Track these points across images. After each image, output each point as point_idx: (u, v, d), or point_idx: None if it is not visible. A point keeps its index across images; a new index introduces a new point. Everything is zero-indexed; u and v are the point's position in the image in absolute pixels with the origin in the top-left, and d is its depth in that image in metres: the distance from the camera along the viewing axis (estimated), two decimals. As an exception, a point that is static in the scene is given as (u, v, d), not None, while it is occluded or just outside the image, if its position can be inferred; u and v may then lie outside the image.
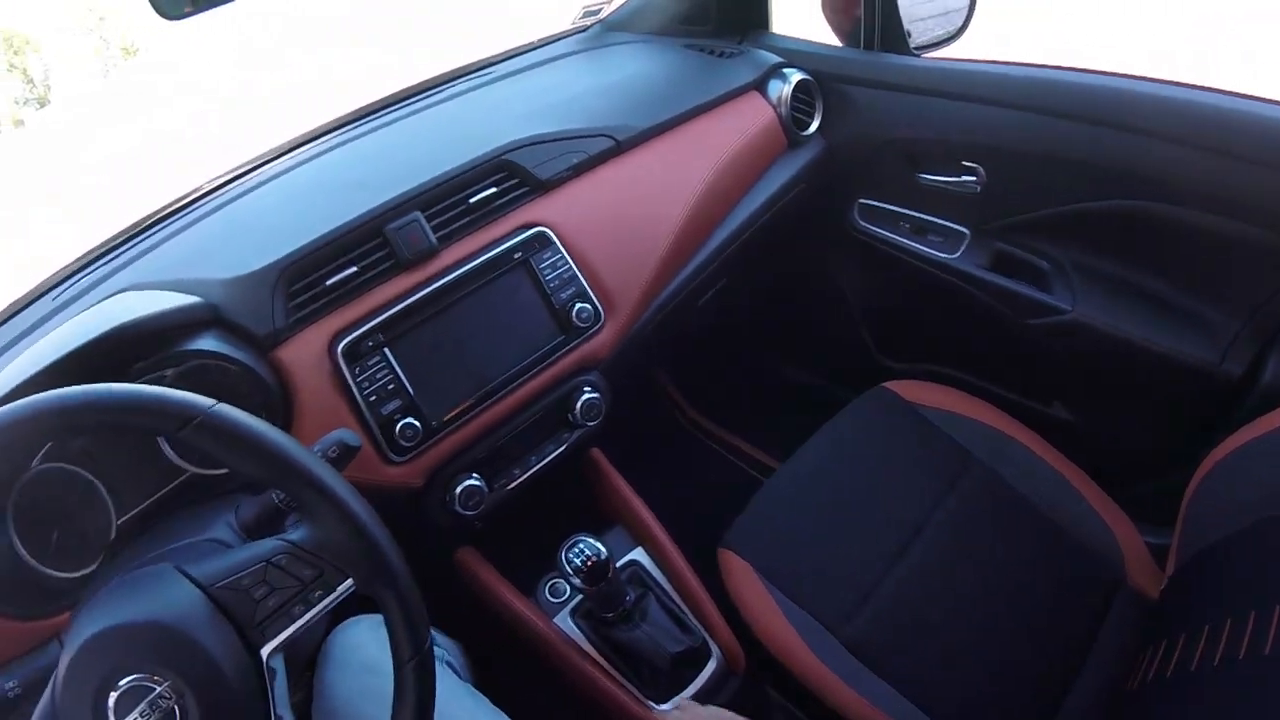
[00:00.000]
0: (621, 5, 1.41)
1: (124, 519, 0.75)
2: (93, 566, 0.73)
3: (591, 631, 0.98)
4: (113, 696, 0.51)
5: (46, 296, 0.96)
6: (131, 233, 1.04)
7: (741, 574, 0.98)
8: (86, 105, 12.34)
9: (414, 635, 0.57)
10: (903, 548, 0.97)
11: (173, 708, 0.51)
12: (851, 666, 0.89)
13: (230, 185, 1.12)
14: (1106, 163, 0.98)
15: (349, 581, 0.57)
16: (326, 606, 0.56)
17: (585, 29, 1.43)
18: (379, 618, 0.87)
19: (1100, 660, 0.88)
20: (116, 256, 0.99)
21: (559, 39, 1.40)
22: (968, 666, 0.89)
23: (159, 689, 0.51)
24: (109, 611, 0.55)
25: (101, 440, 0.75)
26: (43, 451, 0.72)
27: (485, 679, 1.04)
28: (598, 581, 0.87)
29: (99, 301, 0.84)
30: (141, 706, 0.51)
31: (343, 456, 0.65)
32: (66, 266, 1.02)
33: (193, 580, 0.56)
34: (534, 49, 1.36)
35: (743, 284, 1.42)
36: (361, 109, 1.26)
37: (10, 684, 0.60)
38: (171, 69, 12.20)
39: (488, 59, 1.34)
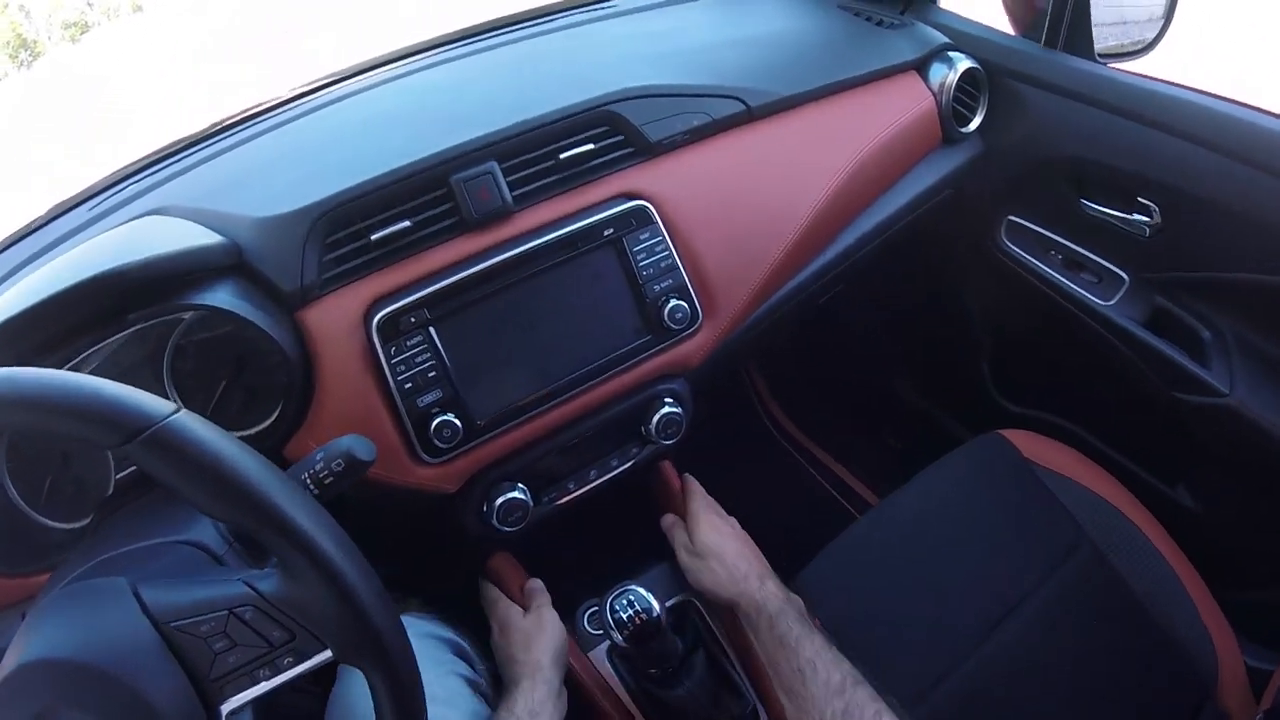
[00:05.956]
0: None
1: (122, 474, 0.69)
2: (85, 521, 0.66)
3: (630, 676, 0.85)
4: None
5: (83, 206, 0.89)
6: (183, 145, 0.95)
7: None
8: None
9: None
10: (993, 625, 0.85)
11: None
12: None
13: (291, 104, 0.99)
14: None
15: (326, 653, 0.48)
16: (297, 676, 0.48)
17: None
18: None
19: None
20: (161, 169, 0.90)
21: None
22: None
23: None
24: (45, 637, 0.48)
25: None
26: None
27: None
28: (646, 642, 0.75)
29: (125, 222, 0.77)
30: None
31: (348, 472, 0.52)
32: (112, 174, 0.95)
33: (145, 610, 0.47)
34: None
35: (864, 290, 1.25)
36: (447, 35, 1.10)
37: None
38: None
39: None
